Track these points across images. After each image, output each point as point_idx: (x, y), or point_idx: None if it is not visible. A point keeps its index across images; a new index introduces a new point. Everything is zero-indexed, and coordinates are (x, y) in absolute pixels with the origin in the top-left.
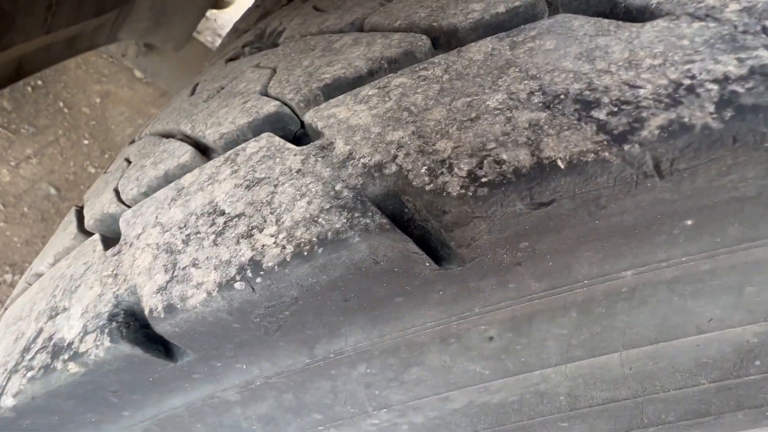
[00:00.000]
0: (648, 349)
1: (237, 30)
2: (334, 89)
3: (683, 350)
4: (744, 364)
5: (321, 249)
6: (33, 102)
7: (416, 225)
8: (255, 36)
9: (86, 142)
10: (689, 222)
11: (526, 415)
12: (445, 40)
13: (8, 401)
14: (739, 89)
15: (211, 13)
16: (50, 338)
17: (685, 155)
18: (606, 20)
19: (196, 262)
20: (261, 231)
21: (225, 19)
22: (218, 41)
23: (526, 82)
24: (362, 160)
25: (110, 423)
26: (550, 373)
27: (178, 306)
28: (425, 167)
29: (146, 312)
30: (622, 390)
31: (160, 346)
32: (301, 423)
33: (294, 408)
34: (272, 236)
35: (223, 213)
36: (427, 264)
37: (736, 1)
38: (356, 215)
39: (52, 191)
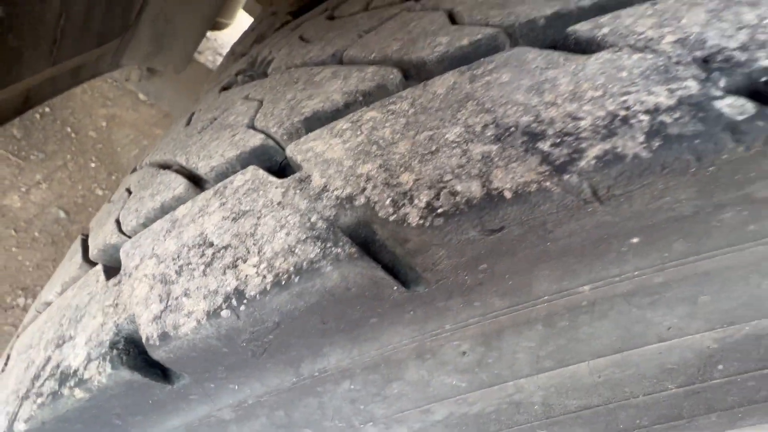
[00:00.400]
0: (614, 357)
1: (234, 53)
2: (313, 122)
3: (647, 358)
4: (707, 369)
5: (297, 278)
6: (41, 129)
7: (387, 251)
8: (248, 64)
9: (93, 165)
10: (635, 240)
11: (504, 425)
12: (416, 72)
13: (21, 426)
14: (667, 119)
15: (211, 33)
16: (57, 366)
17: (619, 182)
18: (556, 53)
19: (188, 292)
20: (245, 261)
21: (225, 38)
22: (219, 60)
23: (481, 115)
24: (335, 193)
25: None
26: (523, 384)
27: (172, 334)
28: (390, 199)
29: (143, 340)
30: (593, 397)
31: (158, 370)
32: None
33: (285, 424)
34: (254, 266)
35: (211, 244)
36: (395, 287)
37: (671, 33)
38: (329, 245)
39: (62, 215)
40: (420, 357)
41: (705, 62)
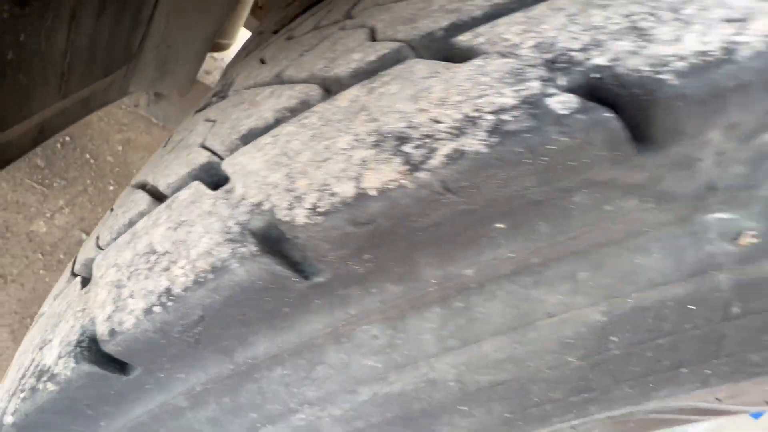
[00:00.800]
0: (512, 334)
1: (225, 73)
2: (249, 138)
3: (543, 333)
4: (602, 341)
5: (212, 275)
6: (63, 157)
7: (296, 248)
8: (222, 85)
9: (112, 188)
10: (501, 225)
11: (425, 402)
12: (335, 88)
13: (9, 419)
14: (507, 118)
15: (219, 54)
16: (38, 365)
17: (464, 176)
18: (440, 63)
19: (133, 294)
20: (176, 264)
21: (231, 58)
22: None
23: (368, 124)
24: (250, 200)
25: None
26: (434, 363)
27: (117, 329)
28: (287, 202)
29: (98, 336)
30: (502, 373)
31: (115, 364)
32: (242, 422)
33: (233, 409)
34: (182, 268)
35: (155, 252)
36: (295, 279)
37: (532, 38)
38: (237, 246)
39: (84, 237)
40: (337, 341)
41: (552, 63)
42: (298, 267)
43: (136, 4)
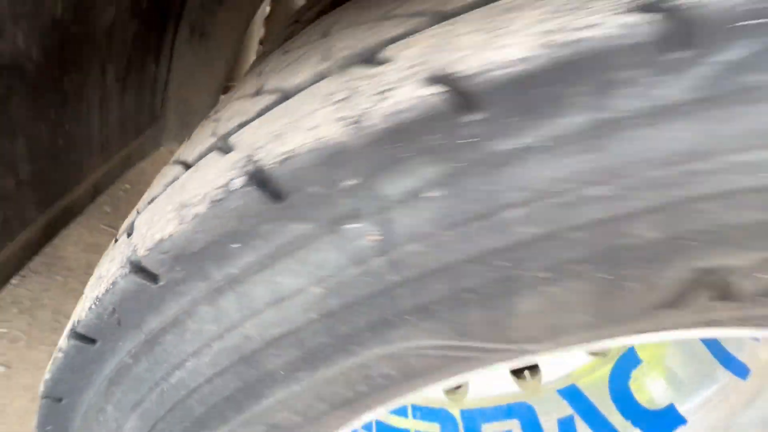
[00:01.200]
0: (278, 302)
1: None
2: (158, 196)
3: (294, 301)
4: (329, 303)
5: (111, 286)
6: (126, 202)
7: (146, 268)
8: None
9: None
10: (236, 245)
11: (250, 349)
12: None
13: (47, 375)
14: (218, 192)
15: None
16: (58, 345)
17: (199, 226)
18: (217, 155)
19: (87, 299)
20: (103, 282)
21: None
22: None
23: (180, 195)
24: (134, 242)
25: (91, 384)
26: (244, 324)
27: (79, 319)
28: (142, 242)
29: (75, 324)
30: (282, 328)
31: (87, 339)
32: (162, 369)
33: (155, 362)
34: (104, 284)
35: (101, 276)
36: (150, 284)
37: (251, 138)
38: (123, 269)
39: None
40: (191, 317)
41: (250, 157)
42: (153, 278)
43: (152, 78)
